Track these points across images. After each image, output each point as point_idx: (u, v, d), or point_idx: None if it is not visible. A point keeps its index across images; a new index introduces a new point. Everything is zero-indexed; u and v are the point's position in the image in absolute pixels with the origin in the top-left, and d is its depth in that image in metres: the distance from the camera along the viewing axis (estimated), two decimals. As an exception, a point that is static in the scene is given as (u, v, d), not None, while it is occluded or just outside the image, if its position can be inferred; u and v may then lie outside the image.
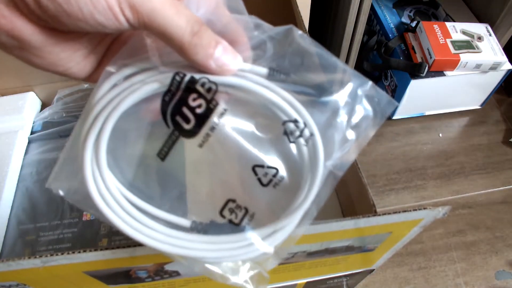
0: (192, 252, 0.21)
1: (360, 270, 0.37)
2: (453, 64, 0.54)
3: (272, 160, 0.22)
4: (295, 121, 0.21)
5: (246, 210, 0.22)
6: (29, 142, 0.49)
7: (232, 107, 0.21)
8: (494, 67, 0.55)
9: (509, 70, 0.57)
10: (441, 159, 0.61)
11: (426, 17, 0.63)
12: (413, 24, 0.59)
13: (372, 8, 0.64)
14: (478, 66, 0.55)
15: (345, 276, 0.38)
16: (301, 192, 0.21)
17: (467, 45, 0.55)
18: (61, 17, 0.18)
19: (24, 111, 0.50)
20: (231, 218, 0.22)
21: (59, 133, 0.50)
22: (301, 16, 0.39)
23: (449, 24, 0.57)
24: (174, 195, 0.24)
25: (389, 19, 0.62)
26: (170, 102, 0.20)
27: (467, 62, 0.54)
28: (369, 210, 0.26)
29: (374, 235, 0.26)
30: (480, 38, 0.56)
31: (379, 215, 0.23)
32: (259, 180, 0.22)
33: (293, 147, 0.22)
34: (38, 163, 0.47)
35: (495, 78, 0.59)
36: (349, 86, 0.21)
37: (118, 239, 0.41)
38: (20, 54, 0.19)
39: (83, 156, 0.20)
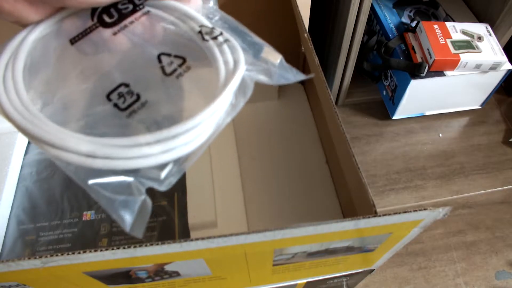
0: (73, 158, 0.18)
1: (360, 270, 0.37)
2: (453, 64, 0.54)
3: (181, 49, 0.22)
4: (212, 28, 0.22)
5: (138, 97, 0.20)
6: (29, 142, 0.49)
7: (155, 11, 0.23)
8: (494, 67, 0.55)
9: (509, 70, 0.57)
10: (441, 159, 0.61)
11: (426, 17, 0.63)
12: (413, 24, 0.59)
13: (372, 8, 0.64)
14: (478, 66, 0.55)
15: (345, 276, 0.38)
16: (216, 91, 0.20)
17: (467, 45, 0.55)
18: None
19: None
20: (117, 103, 0.20)
21: (59, 133, 0.50)
22: (301, 16, 0.39)
23: (449, 24, 0.57)
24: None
25: (389, 19, 0.62)
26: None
27: (467, 62, 0.54)
28: (369, 210, 0.26)
29: (374, 235, 0.26)
30: (480, 38, 0.56)
31: (379, 216, 0.23)
32: (162, 68, 0.21)
33: (209, 47, 0.22)
34: (38, 163, 0.47)
35: (495, 78, 0.59)
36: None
37: (118, 239, 0.41)
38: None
39: None
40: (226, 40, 0.22)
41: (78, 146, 0.18)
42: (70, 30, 0.23)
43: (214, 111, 0.20)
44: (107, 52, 0.22)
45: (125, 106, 0.20)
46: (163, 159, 0.19)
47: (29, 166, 0.47)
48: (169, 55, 0.22)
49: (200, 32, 0.22)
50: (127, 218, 0.19)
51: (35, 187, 0.45)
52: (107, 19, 0.22)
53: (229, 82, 0.21)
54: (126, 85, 0.21)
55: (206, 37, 0.22)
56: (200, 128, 0.19)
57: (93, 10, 0.23)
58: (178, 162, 0.19)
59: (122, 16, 0.22)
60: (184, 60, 0.22)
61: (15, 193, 0.45)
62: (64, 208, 0.43)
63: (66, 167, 0.19)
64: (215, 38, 0.22)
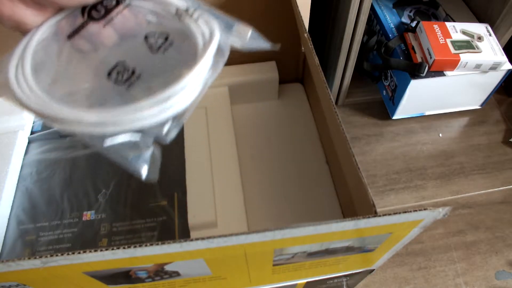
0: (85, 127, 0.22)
1: (360, 270, 0.37)
2: (453, 64, 0.54)
3: (163, 29, 0.26)
4: (186, 8, 0.26)
5: (133, 71, 0.24)
6: (29, 142, 0.49)
7: (136, 2, 0.26)
8: (494, 67, 0.55)
9: (509, 70, 0.57)
10: (441, 159, 0.61)
11: (426, 17, 0.63)
12: (413, 24, 0.59)
13: (372, 8, 0.64)
14: (478, 66, 0.55)
15: (345, 276, 0.38)
16: (197, 57, 0.24)
17: (467, 45, 0.55)
18: None
19: (24, 111, 0.49)
20: (116, 77, 0.24)
21: (59, 133, 0.50)
22: (301, 16, 0.39)
23: (449, 24, 0.57)
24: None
25: (389, 19, 0.62)
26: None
27: (467, 62, 0.54)
28: (369, 210, 0.26)
29: (374, 235, 0.26)
30: (480, 38, 0.56)
31: (379, 216, 0.23)
32: (150, 46, 0.25)
33: (186, 24, 0.25)
34: (38, 163, 0.47)
35: (495, 78, 0.59)
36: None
37: (118, 239, 0.41)
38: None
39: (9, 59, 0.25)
40: (200, 15, 0.26)
41: (91, 119, 0.22)
42: (65, 28, 0.26)
43: (199, 72, 0.23)
44: (100, 43, 0.26)
45: (124, 80, 0.24)
46: (162, 117, 0.22)
47: (29, 166, 0.47)
48: (153, 35, 0.26)
49: (176, 13, 0.26)
50: (142, 169, 0.23)
51: (35, 187, 0.45)
52: (95, 14, 0.26)
53: (207, 47, 0.24)
54: (122, 64, 0.25)
55: (182, 17, 0.26)
56: (189, 87, 0.23)
57: (83, 8, 0.26)
58: (176, 118, 0.23)
59: (108, 11, 0.26)
60: (167, 37, 0.26)
61: (15, 193, 0.45)
62: (64, 208, 0.43)
63: (83, 139, 0.22)
64: (190, 16, 0.26)
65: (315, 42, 0.50)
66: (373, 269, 0.37)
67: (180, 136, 0.48)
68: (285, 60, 0.55)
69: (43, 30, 0.26)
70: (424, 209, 0.23)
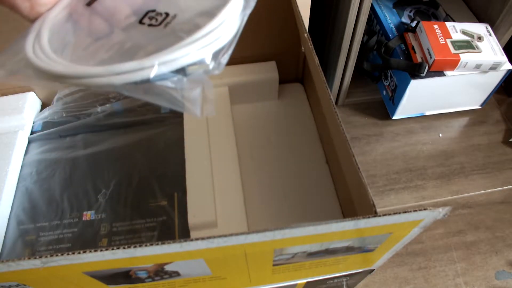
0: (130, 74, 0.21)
1: (360, 270, 0.37)
2: (453, 64, 0.54)
3: None
4: None
5: (167, 14, 0.24)
6: (29, 142, 0.49)
7: None
8: (494, 67, 0.55)
9: (509, 70, 0.57)
10: (441, 159, 0.61)
11: (426, 17, 0.63)
12: (413, 24, 0.59)
13: (372, 8, 0.64)
14: (478, 66, 0.55)
15: (345, 276, 0.38)
16: None
17: (467, 45, 0.55)
18: None
19: (24, 111, 0.50)
20: (151, 23, 0.23)
21: (59, 133, 0.50)
22: (301, 16, 0.39)
23: (449, 24, 0.57)
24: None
25: (389, 19, 0.62)
26: None
27: (467, 62, 0.54)
28: (369, 210, 0.26)
29: (374, 235, 0.26)
30: (480, 38, 0.56)
31: (379, 216, 0.23)
32: None
33: None
34: (38, 163, 0.47)
35: (495, 78, 0.59)
36: None
37: (118, 239, 0.41)
38: None
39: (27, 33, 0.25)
40: None
41: (126, 66, 0.21)
42: (79, 5, 0.25)
43: (233, 7, 0.23)
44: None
45: (159, 22, 0.23)
46: (204, 53, 0.22)
47: (29, 166, 0.47)
48: None
49: None
50: (195, 107, 0.22)
51: (35, 187, 0.45)
52: None
53: None
54: (153, 11, 0.24)
55: None
56: (226, 23, 0.23)
57: None
58: (218, 54, 0.22)
59: None
60: None
61: (15, 193, 0.45)
62: (64, 208, 0.43)
63: (124, 88, 0.22)
64: None
65: (315, 42, 0.51)
66: (373, 269, 0.37)
67: (180, 136, 0.48)
68: (285, 60, 0.55)
69: (56, 11, 0.25)
70: (424, 209, 0.23)
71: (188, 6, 0.24)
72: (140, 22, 0.24)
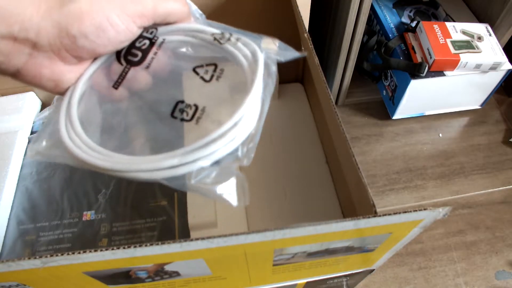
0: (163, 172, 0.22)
1: (360, 270, 0.37)
2: (453, 64, 0.54)
3: (208, 59, 0.26)
4: (222, 32, 0.26)
5: (196, 107, 0.24)
6: (29, 142, 0.49)
7: (169, 38, 0.26)
8: (494, 67, 0.55)
9: (509, 70, 0.57)
10: (441, 159, 0.61)
11: (426, 17, 0.63)
12: (413, 24, 0.59)
13: (372, 8, 0.64)
14: (478, 66, 0.55)
15: (345, 276, 0.38)
16: (248, 77, 0.24)
17: (467, 45, 0.55)
18: (96, 49, 0.24)
19: (24, 111, 0.50)
20: (182, 117, 0.24)
21: (59, 133, 0.50)
22: (301, 16, 0.39)
23: (449, 24, 0.57)
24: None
25: (389, 19, 0.62)
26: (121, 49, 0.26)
27: (467, 62, 0.54)
28: (369, 210, 0.26)
29: (374, 235, 0.26)
30: (480, 38, 0.56)
31: (379, 216, 0.23)
32: (202, 78, 0.25)
33: (226, 49, 0.25)
34: (38, 163, 0.47)
35: (495, 78, 0.59)
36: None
37: (118, 239, 0.41)
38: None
39: (59, 116, 0.25)
40: (238, 39, 0.25)
41: (168, 163, 0.22)
42: (101, 80, 0.26)
43: (254, 96, 0.24)
44: (137, 87, 0.26)
45: (190, 117, 0.24)
46: (233, 146, 0.23)
47: (29, 166, 0.47)
48: (201, 66, 0.26)
49: (215, 39, 0.26)
50: (230, 198, 0.23)
51: (35, 187, 0.45)
52: (133, 59, 0.26)
53: (255, 69, 0.24)
54: (182, 102, 0.25)
55: (222, 41, 0.26)
56: (251, 112, 0.23)
57: (118, 57, 0.26)
58: (245, 142, 0.23)
59: (145, 52, 0.26)
60: (216, 66, 0.25)
61: (15, 193, 0.45)
62: (64, 208, 0.43)
63: (162, 181, 0.22)
64: (228, 39, 0.25)
65: (315, 42, 0.50)
66: (373, 269, 0.37)
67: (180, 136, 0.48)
68: (285, 60, 0.55)
69: (80, 86, 0.26)
70: (424, 209, 0.23)
71: (212, 98, 0.24)
72: (172, 115, 0.24)
